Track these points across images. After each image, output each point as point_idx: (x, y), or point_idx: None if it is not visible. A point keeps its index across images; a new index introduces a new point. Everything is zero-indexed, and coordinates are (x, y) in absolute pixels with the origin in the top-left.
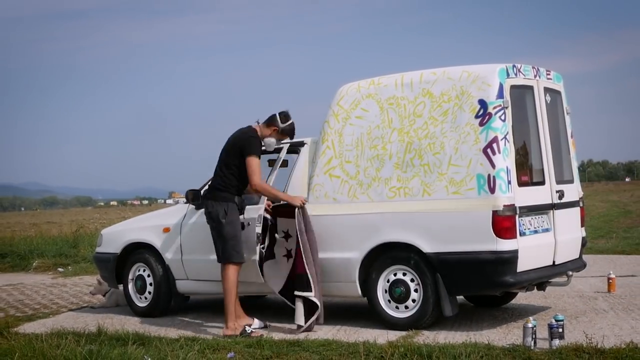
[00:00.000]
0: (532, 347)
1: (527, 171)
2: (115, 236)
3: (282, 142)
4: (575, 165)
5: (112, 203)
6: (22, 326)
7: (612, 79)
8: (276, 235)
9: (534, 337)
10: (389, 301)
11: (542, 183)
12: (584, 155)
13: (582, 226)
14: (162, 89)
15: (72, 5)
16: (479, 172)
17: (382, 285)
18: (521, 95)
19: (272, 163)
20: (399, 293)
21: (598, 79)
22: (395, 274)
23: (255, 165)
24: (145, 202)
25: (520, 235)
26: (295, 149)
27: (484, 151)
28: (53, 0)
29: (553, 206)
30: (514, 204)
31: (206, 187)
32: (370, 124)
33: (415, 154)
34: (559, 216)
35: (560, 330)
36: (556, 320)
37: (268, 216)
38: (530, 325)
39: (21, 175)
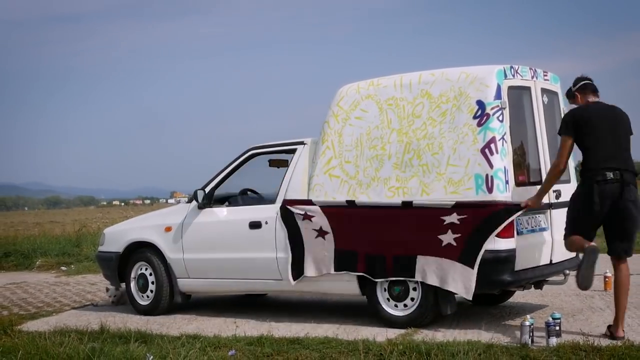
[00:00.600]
0: (529, 345)
1: (524, 171)
2: (118, 235)
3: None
4: (572, 165)
5: (114, 203)
6: (26, 324)
7: (610, 80)
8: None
9: (531, 335)
10: (388, 299)
11: (539, 183)
12: (580, 156)
13: None
14: (163, 90)
15: (73, 10)
16: (477, 172)
17: (381, 284)
18: (519, 96)
19: (273, 163)
20: (397, 291)
21: (596, 80)
22: None
23: None
24: (148, 201)
25: (518, 234)
26: (294, 149)
27: (482, 151)
28: (54, 5)
29: (550, 206)
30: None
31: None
32: (370, 124)
33: (414, 154)
34: (556, 215)
35: (557, 328)
36: (553, 319)
37: (297, 211)
38: (527, 323)
39: (24, 175)
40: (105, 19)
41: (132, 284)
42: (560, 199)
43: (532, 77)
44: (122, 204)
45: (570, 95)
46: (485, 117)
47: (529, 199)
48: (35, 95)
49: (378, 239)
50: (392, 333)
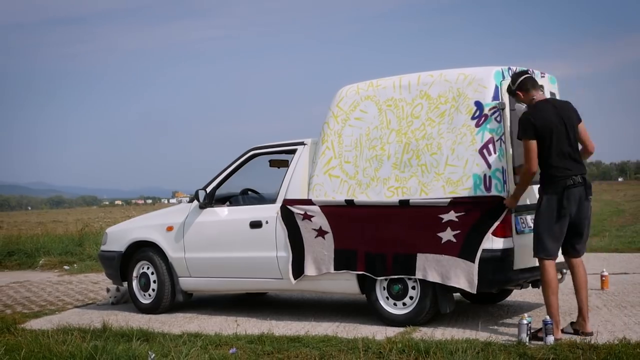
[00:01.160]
0: (527, 343)
1: None
2: (120, 235)
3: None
4: None
5: (116, 202)
6: (29, 322)
7: (607, 81)
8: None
9: (529, 333)
10: (387, 298)
11: (536, 183)
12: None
13: None
14: (166, 91)
15: (77, 13)
16: (475, 172)
17: (380, 283)
18: None
19: (273, 163)
20: (397, 290)
21: (595, 81)
22: None
23: None
24: (149, 201)
25: (516, 233)
26: (295, 149)
27: (480, 152)
28: (57, 8)
29: None
30: None
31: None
32: (369, 125)
33: (412, 154)
34: None
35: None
36: (528, 323)
37: (296, 211)
38: (525, 321)
39: (28, 175)
40: (106, 21)
41: (134, 283)
42: None
43: None
44: (125, 203)
45: (511, 93)
46: (483, 118)
47: (506, 199)
48: (39, 97)
49: (377, 238)
50: (392, 331)
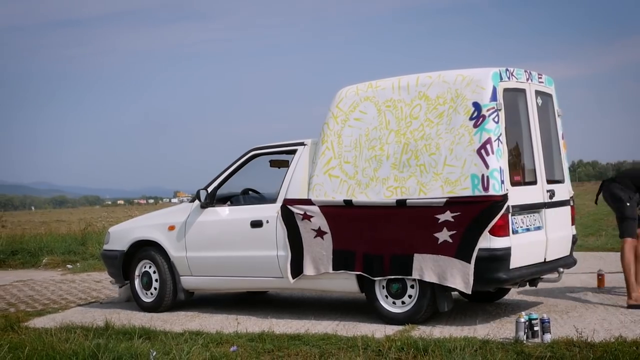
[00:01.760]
0: (524, 341)
1: (519, 171)
2: (122, 234)
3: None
4: (566, 166)
5: (119, 202)
6: (32, 321)
7: (605, 83)
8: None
9: (526, 331)
10: (386, 297)
11: (534, 183)
12: (574, 156)
13: (572, 224)
14: (167, 92)
15: (80, 15)
16: (473, 172)
17: (379, 282)
18: (514, 98)
19: (274, 163)
20: (396, 289)
21: (594, 82)
22: None
23: None
24: (151, 201)
25: (513, 233)
26: (295, 149)
27: (478, 152)
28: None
29: (544, 205)
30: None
31: None
32: (368, 125)
33: (411, 154)
34: (550, 215)
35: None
36: (530, 319)
37: (296, 211)
38: (522, 319)
39: (31, 175)
40: (107, 23)
41: (136, 282)
42: (554, 199)
43: (527, 80)
44: (127, 203)
45: None
46: (481, 119)
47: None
48: (42, 99)
49: (375, 238)
50: (391, 329)
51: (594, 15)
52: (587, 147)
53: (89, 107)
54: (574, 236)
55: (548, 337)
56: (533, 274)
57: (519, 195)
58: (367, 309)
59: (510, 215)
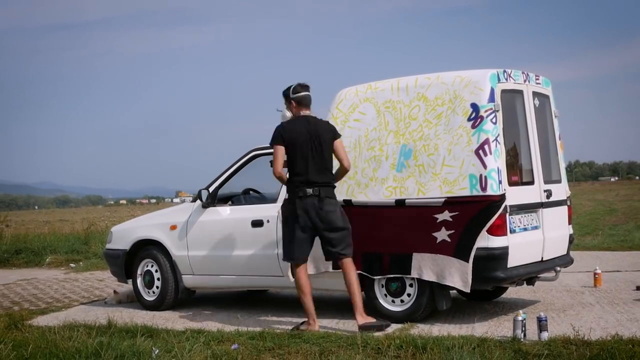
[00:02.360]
0: (522, 339)
1: (517, 171)
2: (125, 233)
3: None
4: (563, 166)
5: (121, 202)
6: (36, 319)
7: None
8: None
9: (523, 329)
10: (386, 295)
11: (531, 183)
12: (571, 156)
13: (569, 224)
14: (169, 93)
15: (82, 19)
16: (471, 173)
17: (378, 280)
18: (511, 99)
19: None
20: (395, 287)
21: (594, 84)
22: None
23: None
24: (153, 200)
25: (511, 232)
26: None
27: (476, 152)
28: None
29: (542, 205)
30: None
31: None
32: (368, 126)
33: (411, 155)
34: (547, 214)
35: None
36: (522, 319)
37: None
38: (520, 318)
39: (35, 175)
40: (108, 26)
41: (139, 281)
42: (552, 198)
43: (525, 81)
44: (129, 203)
45: (286, 98)
46: (479, 120)
47: None
48: (45, 100)
49: (374, 238)
50: (390, 328)
51: (596, 18)
52: (584, 147)
53: (91, 108)
54: (570, 235)
55: (545, 335)
56: (530, 273)
57: (516, 195)
58: (366, 307)
59: (507, 214)
